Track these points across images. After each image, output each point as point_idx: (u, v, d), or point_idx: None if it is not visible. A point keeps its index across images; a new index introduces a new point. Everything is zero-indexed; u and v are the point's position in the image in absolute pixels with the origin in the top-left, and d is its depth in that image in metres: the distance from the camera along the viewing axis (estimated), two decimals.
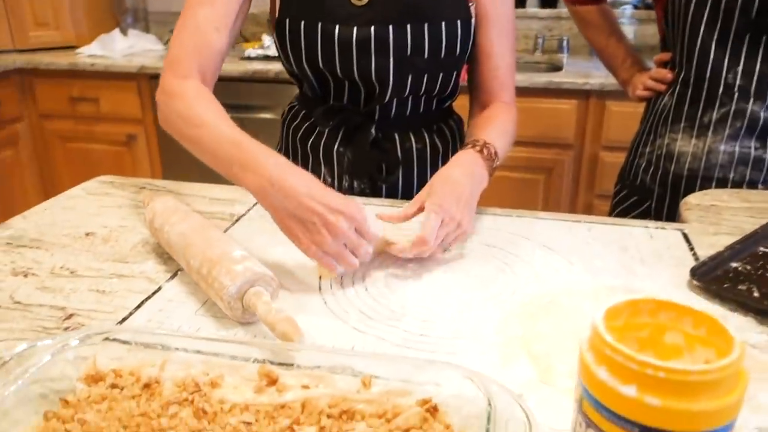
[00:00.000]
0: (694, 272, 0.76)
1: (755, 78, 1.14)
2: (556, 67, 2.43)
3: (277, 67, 2.35)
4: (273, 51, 2.44)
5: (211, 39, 0.90)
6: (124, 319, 0.69)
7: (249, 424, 0.50)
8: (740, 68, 1.15)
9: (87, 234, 0.90)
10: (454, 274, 0.79)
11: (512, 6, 1.04)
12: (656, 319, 0.44)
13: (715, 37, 1.16)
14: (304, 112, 1.10)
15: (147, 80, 2.45)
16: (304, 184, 0.72)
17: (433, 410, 0.50)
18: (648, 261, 0.82)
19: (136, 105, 2.50)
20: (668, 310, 0.43)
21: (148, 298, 0.73)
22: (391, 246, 0.79)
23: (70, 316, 0.69)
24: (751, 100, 1.16)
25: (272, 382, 0.54)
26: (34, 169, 2.69)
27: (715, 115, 1.19)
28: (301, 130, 1.09)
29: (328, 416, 0.50)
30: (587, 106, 2.15)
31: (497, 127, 0.98)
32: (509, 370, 0.60)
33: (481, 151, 0.90)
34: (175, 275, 0.78)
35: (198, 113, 0.83)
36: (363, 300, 0.73)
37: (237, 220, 0.94)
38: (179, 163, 2.64)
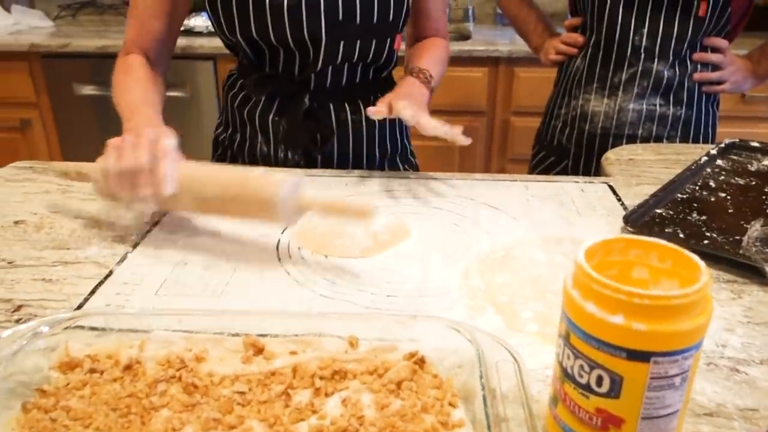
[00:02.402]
0: (627, 219, 0.83)
1: (659, 39, 1.23)
2: (465, 36, 2.49)
3: (182, 42, 2.26)
4: None
5: (151, 27, 0.99)
6: (79, 306, 0.66)
7: (243, 393, 0.50)
8: (645, 30, 1.24)
9: (16, 222, 0.84)
10: (403, 233, 0.81)
11: None
12: (626, 257, 0.48)
13: (622, 1, 1.23)
14: (241, 81, 1.09)
15: (39, 60, 2.29)
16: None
17: (421, 362, 0.53)
18: (584, 212, 0.87)
19: (28, 87, 2.33)
20: (637, 247, 0.48)
21: (101, 282, 0.70)
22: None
23: (19, 307, 0.66)
24: (656, 60, 1.25)
25: (259, 351, 0.54)
26: None
27: (624, 76, 1.28)
28: (239, 99, 1.08)
29: (321, 378, 0.51)
30: (497, 73, 2.23)
31: (432, 55, 1.10)
32: (478, 322, 0.63)
33: (418, 76, 1.02)
34: (124, 258, 0.75)
35: (124, 82, 0.94)
36: (325, 267, 0.74)
37: None
38: (80, 147, 2.50)
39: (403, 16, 1.03)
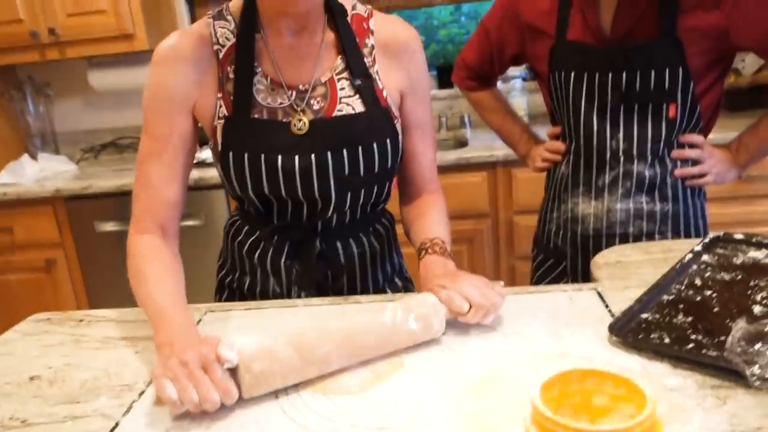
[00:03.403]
0: (612, 329, 0.85)
1: (635, 142, 1.30)
2: (462, 143, 2.61)
3: (194, 174, 2.39)
4: None
5: (164, 194, 1.02)
6: None
7: None
8: (621, 135, 1.30)
9: (32, 378, 0.89)
10: (398, 363, 0.84)
11: (430, 106, 1.16)
12: (584, 386, 0.51)
13: (595, 109, 1.31)
14: (247, 227, 1.14)
15: (63, 203, 2.43)
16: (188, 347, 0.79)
17: None
18: (572, 323, 0.90)
19: (53, 229, 2.46)
20: (592, 377, 0.50)
21: None
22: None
23: None
24: (635, 162, 1.31)
25: None
26: None
27: (607, 178, 1.33)
28: (247, 245, 1.14)
29: None
30: (495, 176, 2.31)
31: (434, 219, 1.11)
32: None
33: (435, 251, 1.03)
34: (130, 408, 0.79)
35: (143, 272, 0.96)
36: (320, 403, 0.76)
37: None
38: (104, 281, 2.59)
39: (398, 160, 1.10)
